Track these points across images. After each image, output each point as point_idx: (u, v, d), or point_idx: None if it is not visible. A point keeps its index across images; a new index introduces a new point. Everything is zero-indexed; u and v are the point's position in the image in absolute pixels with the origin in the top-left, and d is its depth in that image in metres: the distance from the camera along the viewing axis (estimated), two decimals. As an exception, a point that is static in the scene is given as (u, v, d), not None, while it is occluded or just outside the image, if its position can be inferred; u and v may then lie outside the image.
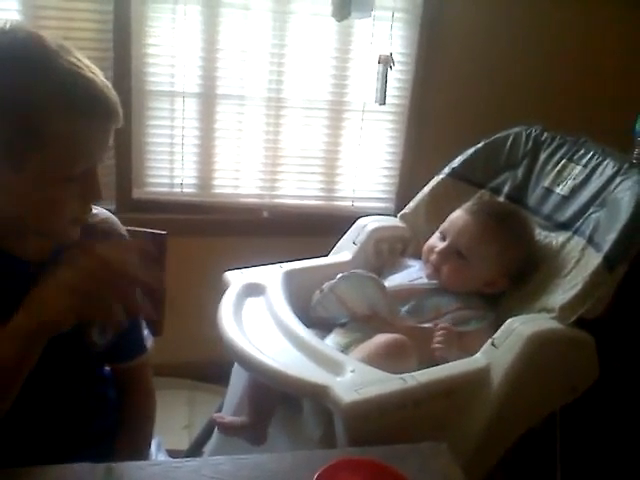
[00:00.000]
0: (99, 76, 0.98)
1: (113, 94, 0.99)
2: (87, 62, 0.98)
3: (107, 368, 1.30)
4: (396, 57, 2.33)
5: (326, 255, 1.84)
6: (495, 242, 1.60)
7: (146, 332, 1.33)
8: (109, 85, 0.99)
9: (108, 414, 1.27)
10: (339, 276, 1.59)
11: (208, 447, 1.77)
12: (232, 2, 2.24)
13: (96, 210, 1.10)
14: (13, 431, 1.05)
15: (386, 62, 2.31)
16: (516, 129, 1.85)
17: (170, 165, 2.39)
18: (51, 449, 1.12)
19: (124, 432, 1.28)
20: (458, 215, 1.66)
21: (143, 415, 1.32)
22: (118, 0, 2.14)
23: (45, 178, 0.96)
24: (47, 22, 2.14)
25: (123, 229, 1.24)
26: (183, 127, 2.35)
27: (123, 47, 2.19)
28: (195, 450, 1.83)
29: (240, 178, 2.46)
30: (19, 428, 1.08)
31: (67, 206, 1.01)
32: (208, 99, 2.33)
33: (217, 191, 2.46)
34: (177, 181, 2.41)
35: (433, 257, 1.64)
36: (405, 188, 2.50)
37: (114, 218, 1.23)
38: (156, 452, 1.40)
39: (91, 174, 1.01)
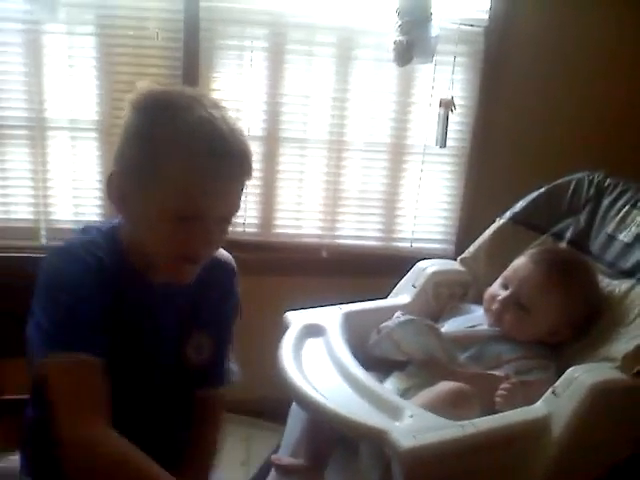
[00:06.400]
0: (236, 134, 1.06)
1: (241, 152, 1.07)
2: (232, 123, 1.06)
3: None
4: (457, 100, 2.34)
5: (384, 296, 1.85)
6: (558, 294, 1.57)
7: (233, 367, 1.38)
8: (244, 145, 1.08)
9: None
10: (396, 321, 1.59)
11: (265, 487, 1.78)
12: (297, 49, 2.31)
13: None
14: None
15: (447, 106, 2.32)
16: (578, 175, 1.84)
17: (233, 205, 2.45)
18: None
19: (189, 463, 1.31)
20: (521, 264, 1.64)
21: (211, 448, 1.36)
22: (187, 47, 2.23)
23: (163, 212, 1.06)
24: (120, 68, 2.24)
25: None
26: (247, 168, 2.40)
27: (191, 92, 2.27)
28: (252, 489, 1.85)
29: (301, 218, 2.51)
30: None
31: (173, 243, 1.09)
32: (272, 142, 2.38)
33: (278, 231, 2.50)
34: (240, 220, 2.46)
35: (495, 306, 1.63)
36: (465, 230, 2.50)
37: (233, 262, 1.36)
38: None
39: (204, 222, 1.08)
